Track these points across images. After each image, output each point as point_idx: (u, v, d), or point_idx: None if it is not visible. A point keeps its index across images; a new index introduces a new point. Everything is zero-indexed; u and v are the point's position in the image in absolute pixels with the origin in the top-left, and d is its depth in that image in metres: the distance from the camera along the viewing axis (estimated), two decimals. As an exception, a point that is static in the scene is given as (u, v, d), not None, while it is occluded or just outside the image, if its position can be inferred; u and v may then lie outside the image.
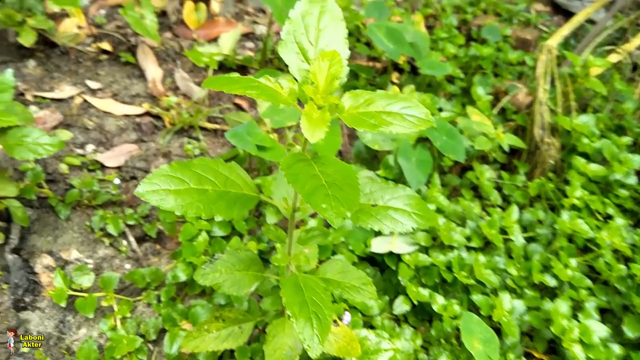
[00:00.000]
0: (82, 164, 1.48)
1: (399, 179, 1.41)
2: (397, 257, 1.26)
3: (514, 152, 1.63)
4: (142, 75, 1.84)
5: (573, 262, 1.24)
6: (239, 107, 1.79)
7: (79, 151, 1.53)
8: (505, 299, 1.16)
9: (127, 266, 1.29)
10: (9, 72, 1.03)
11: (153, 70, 1.83)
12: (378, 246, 1.27)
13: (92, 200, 1.38)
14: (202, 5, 2.07)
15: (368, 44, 1.96)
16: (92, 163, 1.49)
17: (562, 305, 1.14)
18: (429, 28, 2.19)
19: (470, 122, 1.55)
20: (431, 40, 2.04)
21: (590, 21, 2.20)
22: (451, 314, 1.15)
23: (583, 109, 1.66)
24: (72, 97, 1.70)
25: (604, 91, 1.54)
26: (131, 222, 1.34)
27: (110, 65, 1.85)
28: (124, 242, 1.33)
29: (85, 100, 1.70)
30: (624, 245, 1.24)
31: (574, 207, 1.38)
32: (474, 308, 1.20)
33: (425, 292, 1.19)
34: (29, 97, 1.66)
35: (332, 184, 0.53)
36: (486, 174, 1.49)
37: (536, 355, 1.18)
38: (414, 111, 0.57)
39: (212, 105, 1.77)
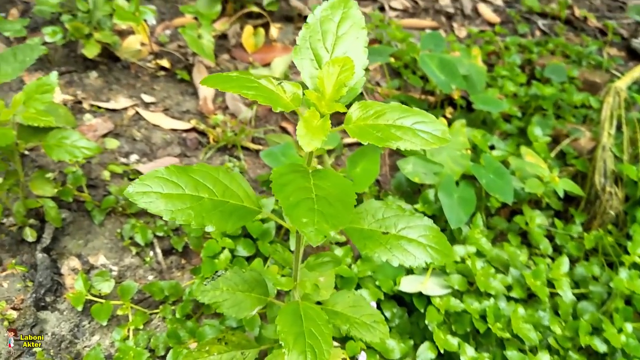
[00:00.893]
0: (123, 173, 1.51)
1: (439, 216, 1.32)
2: (427, 299, 1.16)
3: (570, 199, 1.50)
4: (194, 93, 1.87)
5: (629, 326, 1.10)
6: (285, 130, 1.78)
7: (123, 160, 1.56)
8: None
9: (150, 277, 1.27)
10: (53, 74, 1.07)
11: (205, 89, 1.86)
12: (408, 285, 1.19)
13: (126, 209, 1.39)
14: (261, 30, 2.11)
15: (423, 77, 1.91)
16: (133, 172, 1.51)
17: (611, 375, 1.00)
18: (490, 65, 2.10)
19: (523, 162, 1.45)
20: (490, 77, 1.96)
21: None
22: (481, 369, 1.04)
23: (653, 159, 1.51)
24: (125, 109, 1.76)
25: (679, 141, 1.40)
26: (160, 234, 1.34)
27: (166, 81, 1.90)
28: (151, 253, 1.32)
29: (137, 112, 1.75)
30: (691, 314, 1.08)
31: (634, 266, 1.23)
32: (508, 365, 1.08)
33: (454, 341, 1.08)
34: (85, 105, 1.73)
35: (322, 198, 0.48)
36: (537, 220, 1.38)
37: None
38: (428, 127, 0.51)
39: (258, 126, 1.77)
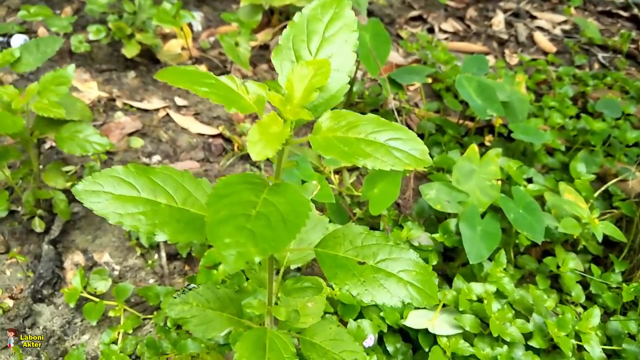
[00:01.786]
0: (143, 173, 1.50)
1: (459, 249, 1.22)
2: (434, 338, 1.07)
3: (612, 244, 1.36)
4: (227, 100, 1.86)
5: (663, 398, 0.96)
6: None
7: (145, 159, 1.56)
8: (559, 423, 0.92)
9: (151, 280, 1.24)
10: (71, 67, 1.07)
11: (238, 96, 1.84)
12: (415, 320, 1.09)
13: (139, 209, 1.37)
14: (302, 42, 2.08)
15: (464, 102, 1.81)
16: (153, 173, 1.50)
17: None
18: (539, 95, 1.98)
19: (560, 200, 1.33)
20: (537, 107, 1.84)
21: None
22: None
23: None
24: (157, 110, 1.76)
25: None
26: (168, 238, 1.31)
27: (201, 86, 1.90)
28: (155, 256, 1.29)
29: (167, 114, 1.75)
30: None
31: (678, 328, 1.08)
32: None
33: (458, 388, 0.98)
34: (118, 103, 1.75)
35: (262, 216, 0.41)
36: (570, 264, 1.25)
37: None
38: (404, 145, 0.44)
39: (286, 138, 1.73)
